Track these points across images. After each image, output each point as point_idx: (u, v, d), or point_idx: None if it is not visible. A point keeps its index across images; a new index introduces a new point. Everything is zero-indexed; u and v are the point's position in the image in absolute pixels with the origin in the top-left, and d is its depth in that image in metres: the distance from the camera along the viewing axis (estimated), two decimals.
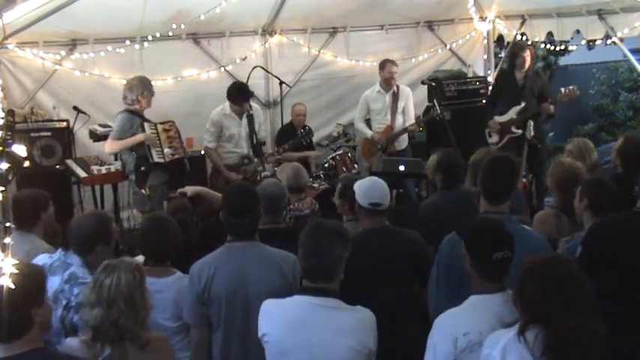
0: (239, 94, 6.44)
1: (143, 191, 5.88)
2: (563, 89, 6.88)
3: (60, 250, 3.44)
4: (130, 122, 5.88)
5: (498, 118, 7.11)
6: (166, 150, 5.95)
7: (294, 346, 2.82)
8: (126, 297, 2.75)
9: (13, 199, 4.13)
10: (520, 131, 6.94)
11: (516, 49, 7.29)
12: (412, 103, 7.43)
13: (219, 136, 6.58)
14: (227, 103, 6.55)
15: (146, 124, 5.93)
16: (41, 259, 3.43)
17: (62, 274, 3.31)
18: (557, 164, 4.63)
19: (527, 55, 7.08)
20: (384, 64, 7.30)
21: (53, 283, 3.20)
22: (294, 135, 7.18)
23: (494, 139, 7.13)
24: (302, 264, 2.92)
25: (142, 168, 5.85)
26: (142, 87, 5.92)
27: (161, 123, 6.06)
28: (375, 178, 3.98)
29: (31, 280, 2.45)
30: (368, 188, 3.74)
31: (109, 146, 6.05)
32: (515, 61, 7.15)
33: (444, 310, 2.88)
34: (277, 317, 2.88)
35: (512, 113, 7.04)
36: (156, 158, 5.88)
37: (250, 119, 6.60)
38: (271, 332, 2.87)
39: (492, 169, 3.36)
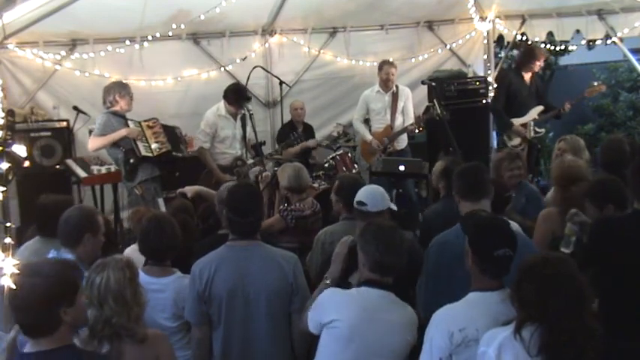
0: (236, 99, 6.44)
1: (136, 191, 5.89)
2: (589, 88, 7.10)
3: (52, 250, 3.43)
4: (110, 120, 5.93)
5: (518, 121, 7.10)
6: (154, 145, 5.98)
7: (363, 332, 2.95)
8: (116, 295, 2.76)
9: (37, 204, 4.06)
10: (543, 130, 7.18)
11: (537, 53, 7.19)
12: (412, 103, 7.44)
13: (213, 137, 6.57)
14: (222, 104, 6.54)
15: (130, 122, 6.00)
16: None
17: None
18: (559, 162, 4.64)
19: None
20: (381, 66, 7.29)
21: None
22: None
23: (516, 141, 7.16)
24: (375, 259, 3.01)
25: (131, 161, 5.89)
26: (119, 88, 6.04)
27: (145, 120, 6.10)
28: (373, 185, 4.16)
29: (58, 279, 2.37)
30: (361, 190, 3.89)
31: (91, 143, 6.07)
32: (532, 64, 7.13)
33: (432, 305, 2.99)
34: (349, 305, 3.00)
35: (533, 114, 7.09)
36: (143, 152, 5.92)
37: (244, 120, 6.59)
38: (343, 318, 2.97)
39: (464, 173, 3.52)
